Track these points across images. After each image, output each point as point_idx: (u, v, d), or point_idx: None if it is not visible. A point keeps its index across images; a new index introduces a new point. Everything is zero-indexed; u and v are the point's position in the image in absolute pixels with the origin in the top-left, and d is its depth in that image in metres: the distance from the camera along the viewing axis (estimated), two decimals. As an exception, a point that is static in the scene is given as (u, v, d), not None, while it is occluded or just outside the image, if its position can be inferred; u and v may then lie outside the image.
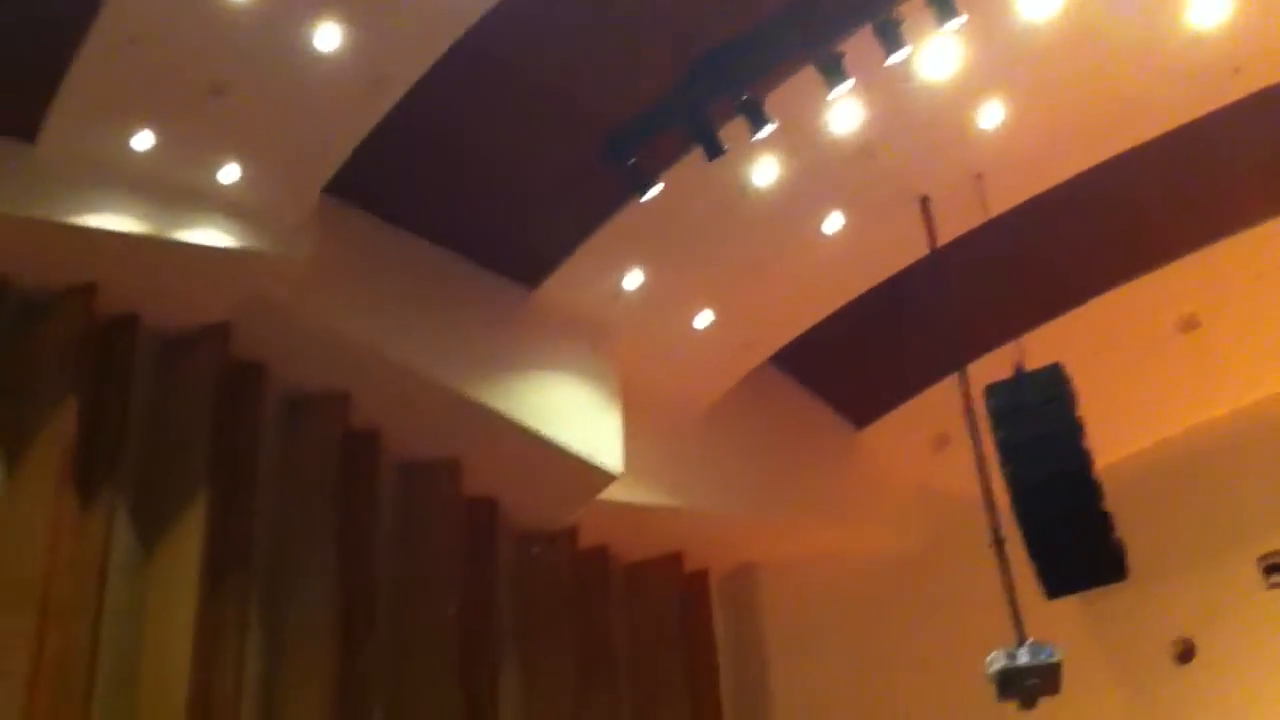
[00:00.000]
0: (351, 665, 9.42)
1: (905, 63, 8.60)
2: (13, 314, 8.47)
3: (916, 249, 10.38)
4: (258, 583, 9.14)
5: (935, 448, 12.53)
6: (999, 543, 8.92)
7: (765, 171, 9.91)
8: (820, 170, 10.04)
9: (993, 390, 8.90)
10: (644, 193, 8.95)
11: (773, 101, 8.68)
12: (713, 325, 11.38)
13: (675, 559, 12.72)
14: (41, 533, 7.76)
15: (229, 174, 8.77)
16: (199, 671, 8.18)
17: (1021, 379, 8.86)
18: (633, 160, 8.81)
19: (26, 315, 8.56)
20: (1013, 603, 8.67)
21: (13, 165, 8.22)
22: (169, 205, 8.64)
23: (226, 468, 9.00)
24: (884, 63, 8.36)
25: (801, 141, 9.65)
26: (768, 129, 8.53)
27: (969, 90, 9.45)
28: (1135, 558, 8.79)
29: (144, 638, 8.34)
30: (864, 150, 9.82)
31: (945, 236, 10.23)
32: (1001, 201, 10.25)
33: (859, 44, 8.42)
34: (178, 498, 8.72)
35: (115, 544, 8.27)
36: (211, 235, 8.72)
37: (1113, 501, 8.63)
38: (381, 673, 9.85)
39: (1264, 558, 12.13)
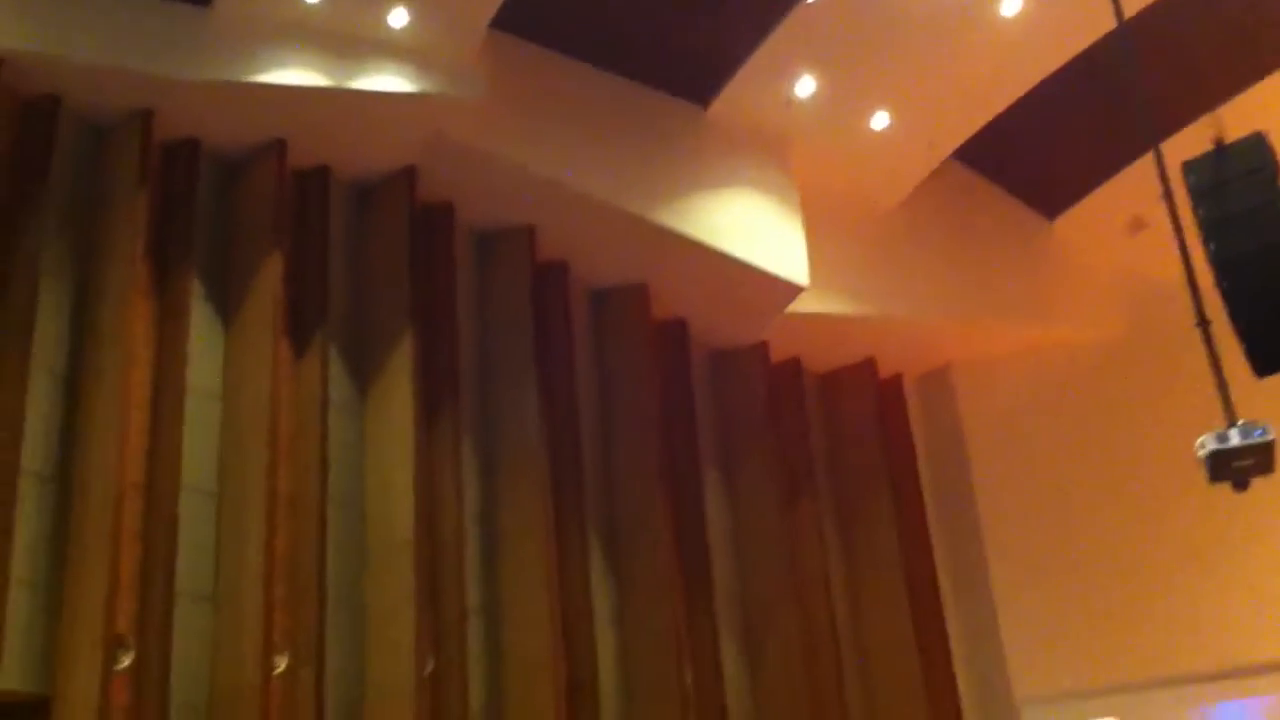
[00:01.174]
0: (563, 485, 9.79)
1: None
2: (210, 176, 8.80)
3: (1102, 24, 9.90)
4: (467, 413, 9.52)
5: (1131, 232, 12.14)
6: (1204, 324, 8.65)
7: (936, -41, 9.56)
8: (995, -49, 9.64)
9: (1191, 166, 8.52)
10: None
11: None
12: (890, 126, 11.14)
13: (868, 366, 12.73)
14: (263, 378, 8.18)
15: (397, 18, 8.87)
16: (421, 500, 8.60)
17: (1221, 152, 8.46)
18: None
19: (223, 176, 8.90)
20: (1221, 384, 8.44)
21: (192, 30, 8.45)
22: (344, 56, 8.80)
23: (426, 306, 9.32)
24: None
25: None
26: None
27: None
28: (1350, 327, 8.44)
29: (366, 471, 8.80)
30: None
31: (1132, 8, 9.72)
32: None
33: None
34: (384, 337, 9.08)
35: (331, 385, 8.67)
36: (388, 81, 8.87)
37: (1324, 271, 8.27)
38: (593, 490, 10.22)
39: None
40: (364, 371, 9.09)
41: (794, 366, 12.41)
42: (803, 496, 11.81)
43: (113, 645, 7.01)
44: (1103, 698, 11.96)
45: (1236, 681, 11.66)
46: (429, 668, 8.34)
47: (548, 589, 9.15)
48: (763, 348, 11.93)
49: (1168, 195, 8.99)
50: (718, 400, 11.91)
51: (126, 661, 7.18)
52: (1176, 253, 8.92)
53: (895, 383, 12.97)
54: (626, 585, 10.26)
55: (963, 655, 12.18)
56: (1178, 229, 8.91)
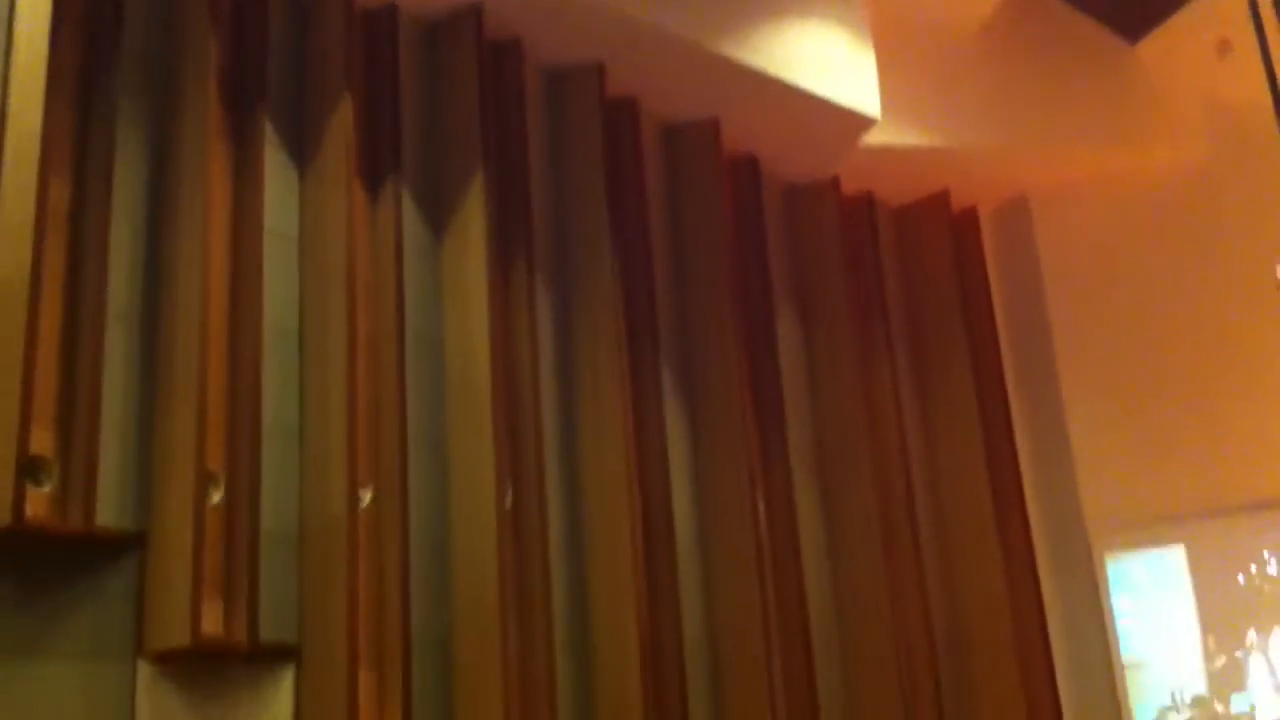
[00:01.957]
0: (637, 325, 9.88)
1: None
2: (281, 19, 8.77)
3: None
4: (540, 254, 9.58)
5: (1218, 54, 11.77)
6: (1290, 148, 8.45)
7: None
8: None
9: (1280, -16, 8.23)
10: None
11: None
12: (967, -51, 10.83)
13: (942, 198, 12.58)
14: (339, 221, 8.27)
15: None
16: (497, 344, 8.74)
17: (1314, -33, 8.14)
18: None
19: (293, 22, 8.87)
20: (1306, 209, 8.29)
21: None
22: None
23: (499, 147, 9.32)
24: None
25: None
26: None
27: None
28: None
29: (443, 314, 8.93)
30: None
31: None
32: None
33: None
34: (457, 181, 9.12)
35: (405, 227, 8.76)
36: (451, -84, 8.75)
37: None
38: (666, 328, 10.31)
39: None
40: (438, 214, 9.15)
41: (867, 200, 12.30)
42: (876, 333, 11.82)
43: (204, 481, 7.25)
44: (1176, 524, 12.05)
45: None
46: (509, 500, 8.57)
47: (623, 422, 9.32)
48: (835, 182, 11.82)
49: (1256, 16, 8.70)
50: (790, 237, 11.87)
51: (218, 497, 7.44)
52: (1263, 76, 8.67)
53: (970, 214, 12.82)
54: (701, 423, 10.42)
55: (1034, 484, 12.26)
56: (1265, 51, 8.64)
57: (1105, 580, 12.21)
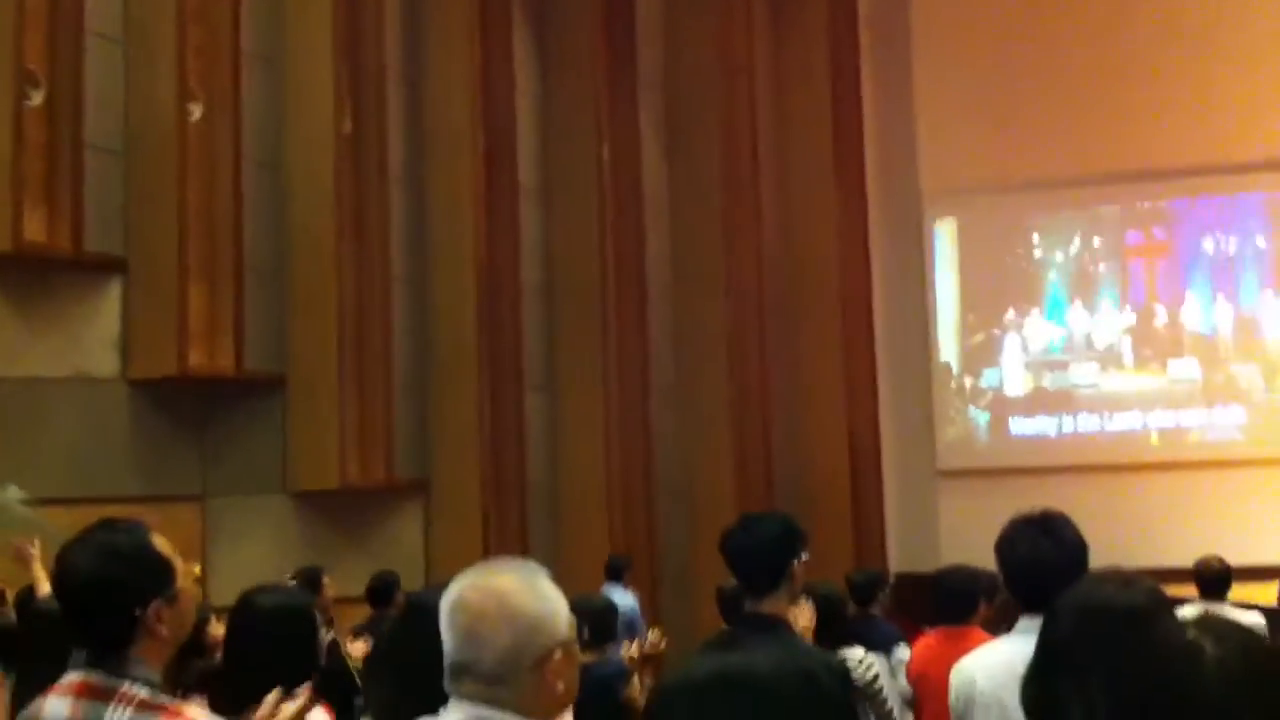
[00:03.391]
0: None
1: None
2: None
3: None
4: None
5: None
6: None
7: None
8: None
9: None
10: None
11: None
12: None
13: None
14: None
15: None
16: None
17: None
18: None
19: None
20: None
21: None
22: None
23: None
24: None
25: None
26: None
27: None
28: None
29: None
30: None
31: None
32: None
33: None
34: None
35: None
36: None
37: None
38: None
39: None
40: None
41: None
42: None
43: (21, 81, 6.91)
44: (1019, 193, 12.28)
45: (1170, 183, 11.97)
46: (348, 125, 8.38)
47: (469, 45, 9.09)
48: None
49: None
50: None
51: (38, 99, 7.12)
52: None
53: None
54: (552, 72, 10.23)
55: (875, 142, 12.29)
56: None
57: (931, 243, 12.41)
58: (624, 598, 7.86)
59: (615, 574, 8.60)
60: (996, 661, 2.98)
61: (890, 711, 5.22)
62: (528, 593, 1.94)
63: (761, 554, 3.30)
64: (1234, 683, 1.40)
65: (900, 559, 11.55)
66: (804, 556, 3.31)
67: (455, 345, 9.10)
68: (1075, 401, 12.33)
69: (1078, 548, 2.94)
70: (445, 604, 1.94)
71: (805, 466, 11.49)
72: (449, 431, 8.93)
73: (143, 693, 2.21)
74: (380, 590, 6.82)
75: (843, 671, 3.22)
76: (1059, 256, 12.50)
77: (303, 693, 2.42)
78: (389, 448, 8.50)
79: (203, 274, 7.67)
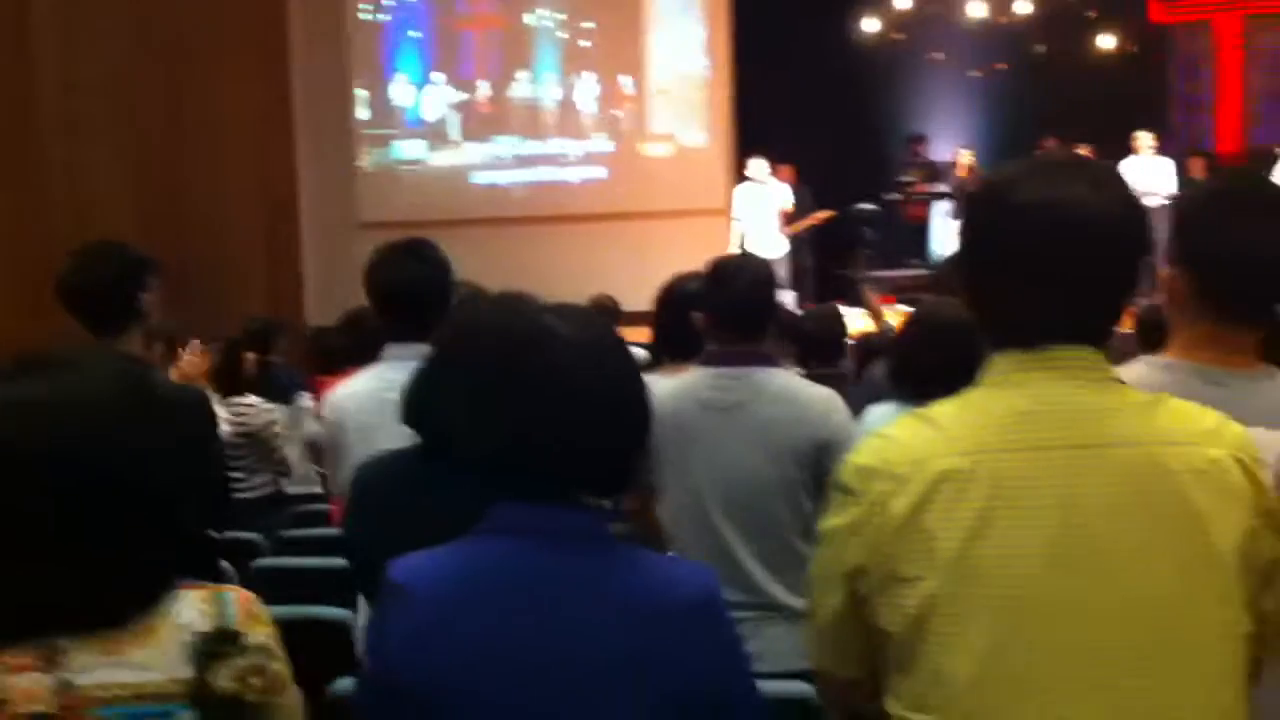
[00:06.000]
0: None
1: None
2: None
3: None
4: None
5: None
6: None
7: None
8: None
9: None
10: None
11: None
12: None
13: None
14: None
15: None
16: None
17: None
18: None
19: None
20: None
21: None
22: None
23: None
24: None
25: None
26: None
27: None
28: None
29: None
30: None
31: None
32: None
33: None
34: None
35: None
36: None
37: None
38: None
39: None
40: None
41: None
42: None
43: None
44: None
45: None
46: None
47: None
48: None
49: None
50: None
51: None
52: None
53: None
54: None
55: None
56: None
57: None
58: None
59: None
60: (364, 390, 2.96)
61: (284, 459, 5.17)
62: None
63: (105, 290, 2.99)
64: (580, 351, 1.61)
65: (318, 311, 11.33)
66: (154, 286, 3.04)
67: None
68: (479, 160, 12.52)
69: (444, 269, 2.95)
70: None
71: (218, 221, 10.90)
72: None
73: None
74: None
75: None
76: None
77: None
78: None
79: None
